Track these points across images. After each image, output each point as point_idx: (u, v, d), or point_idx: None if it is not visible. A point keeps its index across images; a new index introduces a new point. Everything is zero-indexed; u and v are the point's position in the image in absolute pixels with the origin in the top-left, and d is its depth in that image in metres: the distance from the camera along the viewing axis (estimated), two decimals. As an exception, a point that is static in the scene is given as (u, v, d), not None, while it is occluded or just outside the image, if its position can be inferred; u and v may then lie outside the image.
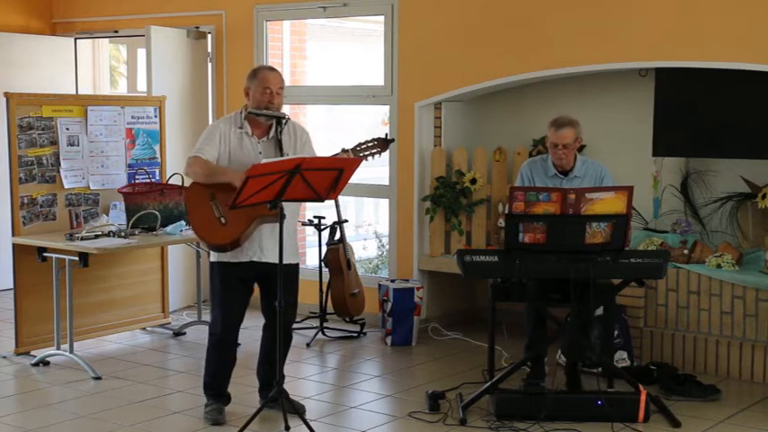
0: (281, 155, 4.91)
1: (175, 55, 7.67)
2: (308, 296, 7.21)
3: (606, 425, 4.88)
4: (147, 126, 6.90)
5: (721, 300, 5.91)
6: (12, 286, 6.31)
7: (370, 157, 5.14)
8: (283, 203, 4.66)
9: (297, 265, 5.11)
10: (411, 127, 7.02)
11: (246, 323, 5.26)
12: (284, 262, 4.80)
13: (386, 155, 7.11)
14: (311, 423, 4.77)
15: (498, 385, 5.11)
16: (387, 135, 5.22)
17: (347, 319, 6.93)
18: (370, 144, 5.14)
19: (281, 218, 4.66)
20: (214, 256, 5.00)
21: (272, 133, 5.01)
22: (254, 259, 4.95)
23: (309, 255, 8.78)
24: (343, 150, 5.06)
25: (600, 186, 5.28)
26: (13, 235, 6.16)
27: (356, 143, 5.13)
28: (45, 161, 6.32)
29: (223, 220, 4.82)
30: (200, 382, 5.17)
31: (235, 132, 4.97)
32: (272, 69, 5.11)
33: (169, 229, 6.21)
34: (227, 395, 5.15)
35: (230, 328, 5.07)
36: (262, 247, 4.94)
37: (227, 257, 4.92)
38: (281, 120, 4.99)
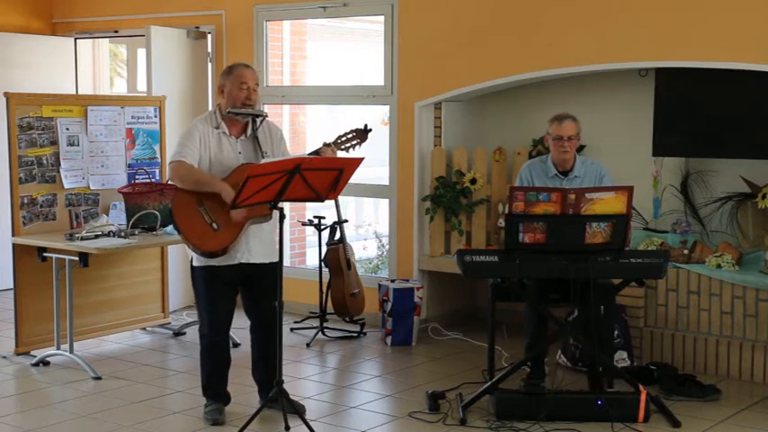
0: (261, 152, 4.89)
1: (175, 55, 7.67)
2: (308, 296, 7.22)
3: (606, 425, 4.88)
4: (147, 126, 6.90)
5: (721, 300, 5.91)
6: (12, 286, 6.31)
7: (351, 149, 5.14)
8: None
9: (275, 263, 5.08)
10: (411, 127, 7.02)
11: (245, 323, 5.26)
12: (267, 261, 4.79)
13: (386, 155, 7.17)
14: (311, 423, 4.77)
15: (498, 385, 5.11)
16: (365, 125, 5.21)
17: (347, 319, 6.93)
18: (349, 136, 5.15)
19: (281, 218, 4.65)
20: (199, 261, 4.92)
21: (248, 131, 4.98)
22: (243, 261, 4.91)
23: (309, 255, 8.78)
24: (325, 144, 5.05)
25: (600, 186, 5.28)
26: (13, 235, 6.16)
27: (336, 136, 5.13)
28: (45, 161, 6.32)
29: (215, 225, 4.77)
30: (200, 382, 5.16)
31: (213, 133, 4.91)
32: (247, 66, 5.03)
33: (169, 229, 6.21)
34: (227, 395, 5.15)
35: (219, 330, 5.05)
36: (249, 248, 4.91)
37: (215, 261, 4.85)
38: (255, 117, 4.96)
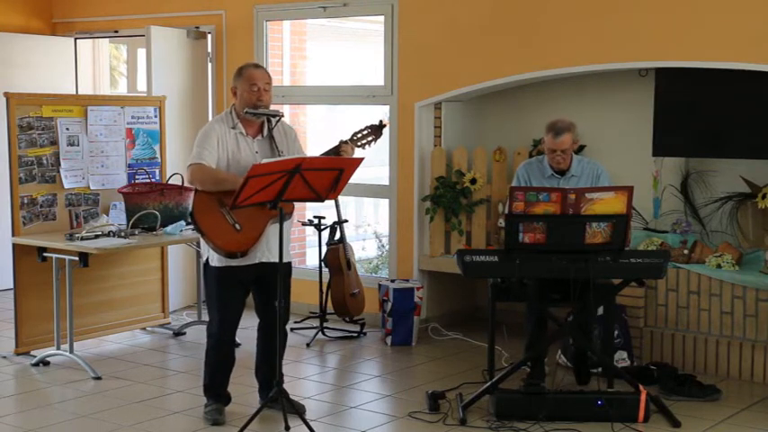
0: (277, 152, 4.90)
1: (175, 55, 7.67)
2: (308, 296, 7.22)
3: (606, 425, 4.88)
4: (147, 126, 6.90)
5: (721, 300, 5.91)
6: (12, 286, 6.31)
7: (367, 146, 5.14)
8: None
9: (290, 263, 5.12)
10: (411, 127, 7.02)
11: (245, 323, 5.26)
12: (285, 260, 4.79)
13: (386, 155, 7.17)
14: (311, 423, 4.77)
15: (498, 385, 5.12)
16: (380, 121, 5.21)
17: (347, 319, 6.93)
18: (365, 132, 5.15)
19: (281, 218, 4.65)
20: (218, 261, 4.92)
21: (264, 131, 4.99)
22: (263, 260, 4.93)
23: (309, 255, 8.78)
24: (342, 142, 5.05)
25: (600, 186, 5.28)
26: (13, 235, 6.16)
27: (352, 133, 5.13)
28: (45, 161, 6.32)
29: (238, 226, 4.77)
30: (200, 382, 5.17)
31: (230, 133, 4.92)
32: (257, 66, 5.06)
33: (169, 229, 6.21)
34: (227, 395, 5.15)
35: (228, 329, 5.05)
36: (269, 248, 4.92)
37: (235, 261, 4.86)
38: (271, 117, 4.97)
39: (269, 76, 5.04)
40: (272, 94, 5.05)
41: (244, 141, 4.95)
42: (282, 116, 5.04)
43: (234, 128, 4.94)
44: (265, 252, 4.92)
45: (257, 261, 4.91)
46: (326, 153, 5.00)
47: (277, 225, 4.80)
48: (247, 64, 5.10)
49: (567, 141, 5.40)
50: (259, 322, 5.18)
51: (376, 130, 5.17)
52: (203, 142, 4.88)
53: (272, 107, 5.03)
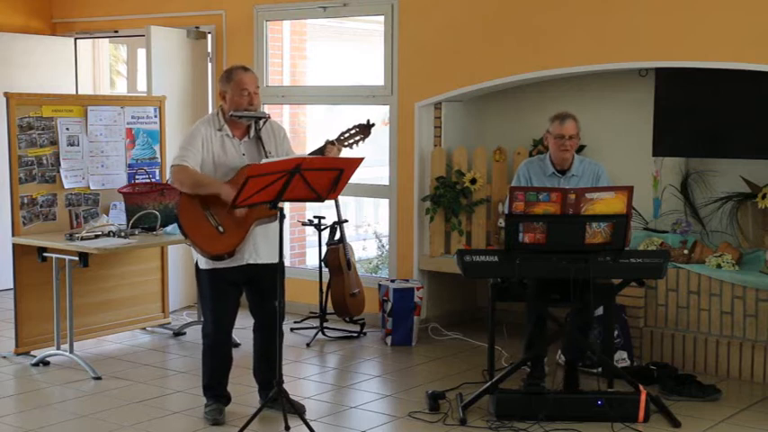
0: (264, 153, 4.90)
1: (175, 55, 7.67)
2: (308, 296, 7.22)
3: (606, 425, 4.88)
4: (147, 126, 6.90)
5: (721, 300, 5.91)
6: (12, 286, 6.31)
7: (354, 145, 5.11)
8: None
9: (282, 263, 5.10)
10: (411, 127, 7.02)
11: (245, 323, 5.25)
12: (274, 261, 4.79)
13: (386, 155, 7.17)
14: (311, 423, 4.77)
15: (498, 385, 5.12)
16: (368, 120, 5.17)
17: (347, 319, 6.93)
18: (352, 131, 5.10)
19: (281, 218, 4.65)
20: (206, 264, 4.92)
21: (251, 133, 4.98)
22: (251, 261, 4.92)
23: (309, 255, 8.78)
24: (328, 142, 5.02)
25: (600, 186, 5.28)
26: (13, 235, 6.16)
27: (339, 133, 5.09)
28: (45, 161, 6.32)
29: (221, 229, 4.78)
30: (200, 381, 5.17)
31: (216, 135, 4.91)
32: (246, 69, 5.01)
33: (169, 229, 6.21)
34: (227, 395, 5.15)
35: (223, 330, 5.06)
36: (257, 249, 4.92)
37: (223, 264, 4.87)
38: (258, 119, 4.96)
39: (257, 78, 5.03)
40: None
41: (230, 143, 4.93)
42: (269, 117, 5.03)
43: (220, 129, 4.93)
44: (252, 254, 4.92)
45: (244, 263, 4.91)
46: (311, 154, 4.96)
47: (264, 226, 4.81)
48: (235, 67, 5.05)
49: (573, 127, 5.42)
50: (254, 323, 5.18)
51: (364, 130, 5.11)
52: (187, 144, 4.88)
53: (265, 107, 5.01)
